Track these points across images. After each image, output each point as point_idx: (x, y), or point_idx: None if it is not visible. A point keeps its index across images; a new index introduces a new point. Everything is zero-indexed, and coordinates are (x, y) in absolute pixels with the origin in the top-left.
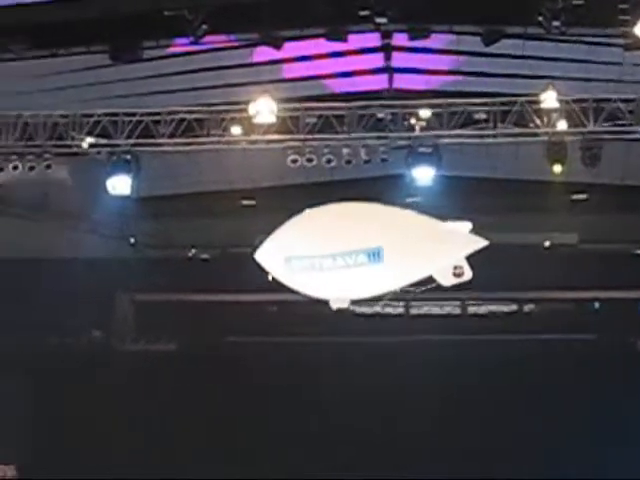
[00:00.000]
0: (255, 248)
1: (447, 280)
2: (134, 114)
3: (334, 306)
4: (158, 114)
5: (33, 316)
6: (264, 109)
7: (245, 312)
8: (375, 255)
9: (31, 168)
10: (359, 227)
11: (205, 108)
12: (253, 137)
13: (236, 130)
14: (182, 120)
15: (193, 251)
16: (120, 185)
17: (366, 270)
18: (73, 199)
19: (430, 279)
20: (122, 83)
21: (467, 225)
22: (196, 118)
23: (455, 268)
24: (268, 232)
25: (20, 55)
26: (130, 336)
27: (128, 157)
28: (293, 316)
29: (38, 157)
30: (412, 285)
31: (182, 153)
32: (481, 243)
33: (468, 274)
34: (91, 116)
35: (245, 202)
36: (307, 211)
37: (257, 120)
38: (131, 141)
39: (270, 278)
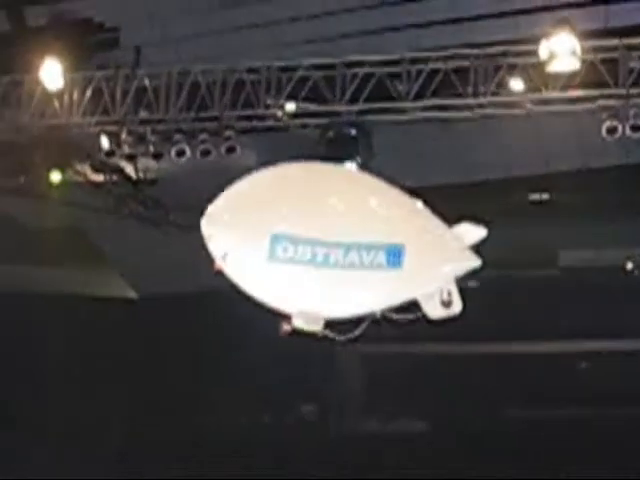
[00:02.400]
0: None
1: (434, 310)
2: (361, 64)
3: (301, 326)
4: (397, 63)
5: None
6: (562, 50)
7: (536, 370)
8: (395, 255)
9: (204, 153)
10: (369, 207)
11: (469, 52)
12: (545, 94)
13: (518, 84)
14: (434, 71)
15: None
16: None
17: (378, 276)
18: None
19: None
20: (341, 16)
21: (481, 232)
22: (455, 68)
23: (442, 294)
24: (572, 243)
25: None
26: (358, 411)
27: (353, 132)
28: (614, 374)
29: (214, 136)
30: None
31: (434, 122)
32: (473, 263)
33: (457, 305)
34: (295, 69)
35: (534, 196)
36: (290, 166)
37: (552, 68)
38: (357, 107)
39: (215, 268)
